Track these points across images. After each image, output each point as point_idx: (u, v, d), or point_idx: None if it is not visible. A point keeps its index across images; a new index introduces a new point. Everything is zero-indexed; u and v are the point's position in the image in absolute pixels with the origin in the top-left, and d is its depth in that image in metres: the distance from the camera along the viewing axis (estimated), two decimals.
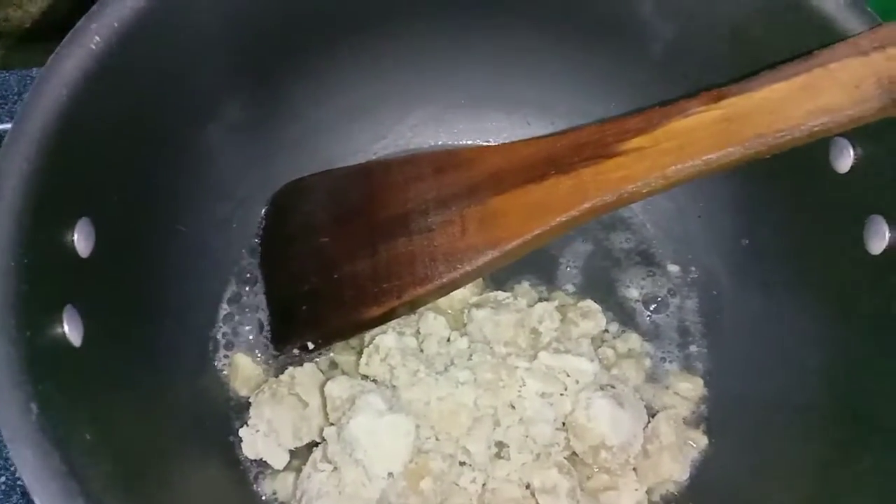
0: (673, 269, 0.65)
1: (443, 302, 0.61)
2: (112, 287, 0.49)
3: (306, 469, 0.52)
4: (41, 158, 0.43)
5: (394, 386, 0.54)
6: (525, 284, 0.64)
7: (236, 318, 0.61)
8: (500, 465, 0.54)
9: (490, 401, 0.54)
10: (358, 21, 0.59)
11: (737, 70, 0.52)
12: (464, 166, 0.57)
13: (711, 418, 0.60)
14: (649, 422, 0.57)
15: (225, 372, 0.60)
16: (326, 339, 0.59)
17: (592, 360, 0.57)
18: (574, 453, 0.55)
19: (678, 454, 0.56)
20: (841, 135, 0.49)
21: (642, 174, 0.49)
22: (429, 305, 0.59)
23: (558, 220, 0.52)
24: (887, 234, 0.48)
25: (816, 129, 0.45)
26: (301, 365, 0.57)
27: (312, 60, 0.60)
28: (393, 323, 0.58)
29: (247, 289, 0.62)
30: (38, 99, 0.44)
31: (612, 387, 0.57)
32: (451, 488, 0.53)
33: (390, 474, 0.50)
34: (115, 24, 0.46)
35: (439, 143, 0.70)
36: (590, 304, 0.62)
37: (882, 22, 0.47)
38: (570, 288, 0.64)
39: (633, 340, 0.63)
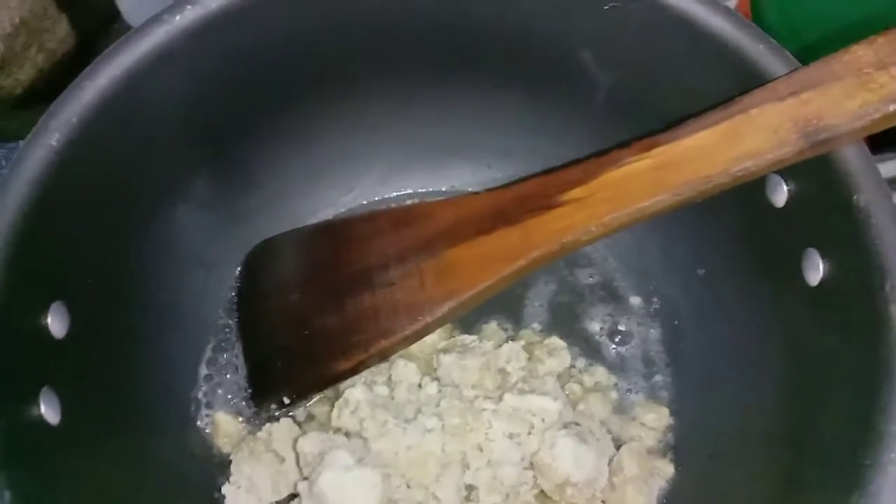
0: (635, 301, 0.67)
1: (414, 348, 0.63)
2: (90, 364, 0.52)
3: None
4: (10, 250, 0.46)
5: (364, 438, 0.56)
6: (492, 325, 0.66)
7: (216, 377, 0.64)
8: None
9: (458, 446, 0.56)
10: (312, 85, 0.62)
11: (673, 110, 0.54)
12: (419, 221, 0.59)
13: (678, 446, 0.61)
14: (615, 455, 0.59)
15: (208, 430, 0.62)
16: (301, 394, 0.61)
17: (557, 399, 0.59)
18: (542, 491, 0.57)
19: (643, 486, 0.58)
20: (775, 172, 0.51)
21: (582, 223, 0.51)
22: (400, 352, 0.62)
23: (508, 269, 0.54)
24: (821, 267, 0.49)
25: (741, 173, 0.47)
26: (278, 420, 0.60)
27: (271, 127, 0.63)
28: (364, 373, 0.61)
29: (225, 348, 0.65)
30: (5, 196, 0.47)
31: (577, 423, 0.59)
32: None
33: None
34: (74, 120, 0.49)
35: (406, 190, 0.72)
36: (556, 340, 0.64)
37: (799, 66, 0.49)
38: (537, 326, 0.66)
39: (600, 374, 0.64)
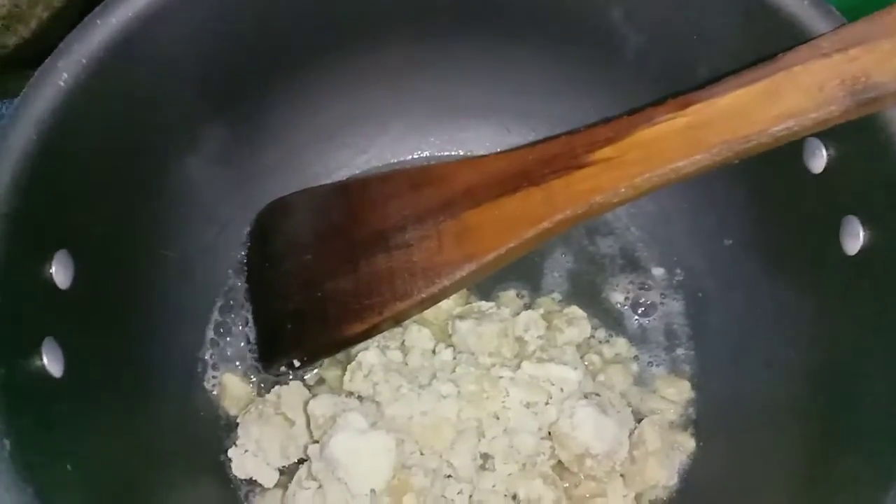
0: (658, 272, 0.65)
1: (428, 313, 0.61)
2: (94, 316, 0.50)
3: (292, 487, 0.53)
4: (14, 196, 0.44)
5: (377, 402, 0.55)
6: (510, 293, 0.64)
7: (224, 338, 0.62)
8: (486, 476, 0.54)
9: (474, 413, 0.55)
10: (330, 40, 0.60)
11: (707, 73, 0.52)
12: (439, 182, 0.57)
13: (699, 421, 0.60)
14: (636, 427, 0.57)
15: (215, 392, 0.61)
16: (312, 357, 0.60)
17: (576, 368, 0.57)
18: (560, 462, 0.56)
19: (665, 459, 0.56)
20: (814, 136, 0.49)
21: (611, 184, 0.49)
22: (414, 318, 0.60)
23: (531, 232, 0.52)
24: (861, 235, 0.47)
25: (782, 133, 0.45)
26: (287, 383, 0.58)
27: (286, 82, 0.60)
28: (377, 337, 0.59)
29: (233, 309, 0.63)
30: (8, 139, 0.44)
31: (597, 394, 0.57)
32: (437, 501, 0.53)
33: (372, 491, 0.51)
34: (83, 61, 0.47)
35: (423, 154, 0.70)
36: (575, 310, 0.62)
37: (845, 22, 0.47)
38: (557, 295, 0.65)
39: (620, 345, 0.63)
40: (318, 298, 0.59)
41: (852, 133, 0.46)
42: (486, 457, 0.55)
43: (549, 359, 0.57)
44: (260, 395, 0.60)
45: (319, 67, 0.61)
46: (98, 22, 0.47)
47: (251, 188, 0.64)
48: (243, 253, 0.65)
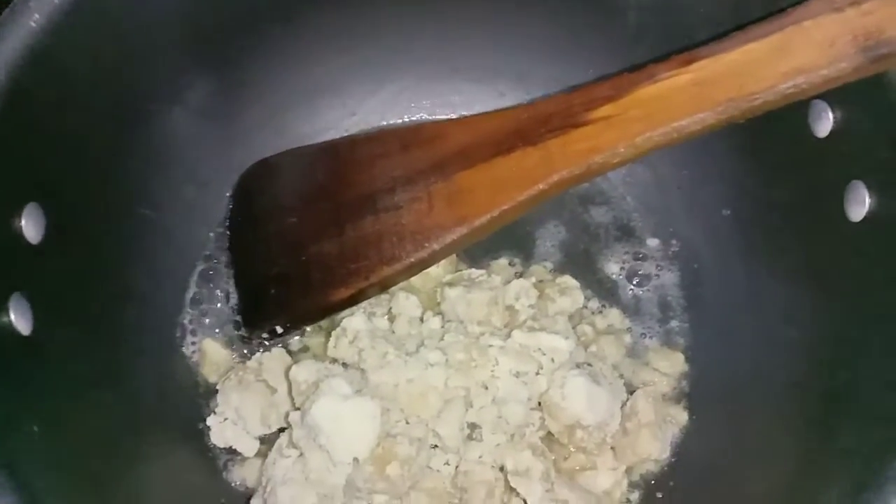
0: (653, 242, 0.63)
1: (416, 281, 0.59)
2: (67, 274, 0.48)
3: (272, 455, 0.51)
4: None
5: (362, 369, 0.53)
6: (502, 261, 0.63)
7: (204, 302, 0.60)
8: (473, 446, 0.52)
9: (461, 381, 0.53)
10: None
11: (712, 32, 0.50)
12: (430, 142, 0.55)
13: (692, 394, 0.58)
14: (628, 399, 0.56)
15: (193, 358, 0.58)
16: (295, 323, 0.57)
17: (568, 338, 0.55)
18: (550, 433, 0.54)
19: (657, 432, 0.54)
20: (819, 97, 0.47)
21: (610, 144, 0.47)
22: (401, 285, 0.58)
23: (526, 194, 0.50)
24: (867, 201, 0.46)
25: (790, 90, 0.43)
26: (269, 350, 0.56)
27: (274, 37, 0.58)
28: (363, 304, 0.57)
29: (215, 272, 0.61)
30: None
31: (589, 364, 0.55)
32: (422, 471, 0.51)
33: (355, 459, 0.49)
34: (56, 1, 0.44)
35: (412, 117, 0.68)
36: (568, 280, 0.61)
37: None
38: (549, 264, 0.63)
39: (613, 316, 0.61)
40: (302, 262, 0.57)
41: (861, 94, 0.45)
42: (473, 426, 0.53)
43: (541, 328, 0.55)
44: (241, 361, 0.58)
45: (309, 23, 0.59)
46: None
47: (235, 147, 0.62)
48: (225, 215, 0.62)
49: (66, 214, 0.48)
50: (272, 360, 0.55)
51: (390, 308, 0.58)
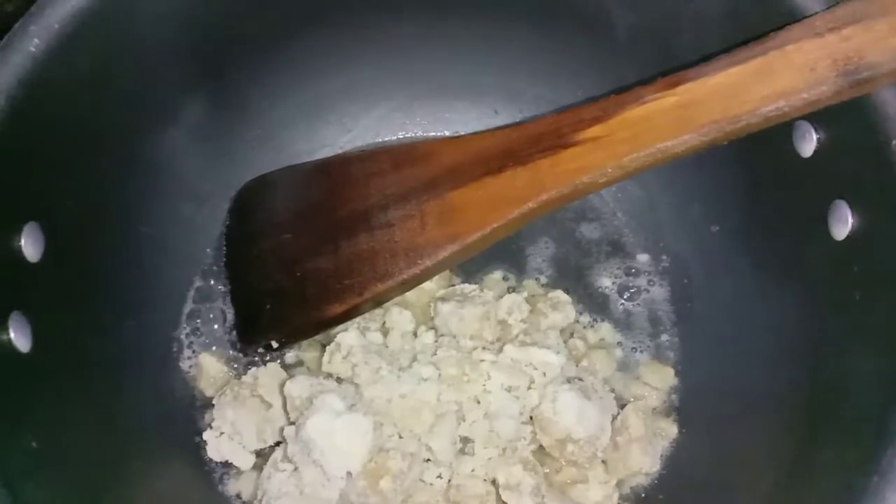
0: (643, 258, 0.64)
1: (409, 295, 0.60)
2: (66, 291, 0.49)
3: (267, 469, 0.52)
4: None
5: (356, 384, 0.53)
6: (494, 275, 0.63)
7: (201, 318, 0.61)
8: (465, 460, 0.53)
9: (454, 396, 0.54)
10: (317, 14, 0.59)
11: (699, 53, 0.51)
12: (422, 160, 0.56)
13: (682, 408, 0.59)
14: (619, 413, 0.56)
15: (190, 372, 0.59)
16: (290, 338, 0.58)
17: (559, 353, 0.56)
18: (541, 447, 0.55)
19: (648, 446, 0.55)
20: (803, 118, 0.48)
21: (598, 164, 0.48)
22: (395, 299, 0.59)
23: (516, 212, 0.51)
24: (850, 220, 0.46)
25: (773, 113, 0.44)
26: (265, 365, 0.57)
27: (271, 56, 0.59)
28: (357, 319, 0.58)
29: (211, 288, 0.62)
30: None
31: (580, 379, 0.56)
32: (415, 485, 0.52)
33: (349, 474, 0.50)
34: (56, 26, 0.46)
35: (407, 134, 0.69)
36: (560, 294, 0.61)
37: (839, 1, 0.46)
38: (542, 279, 0.64)
39: (605, 331, 0.62)
40: (297, 278, 0.58)
41: (843, 116, 0.45)
42: (465, 441, 0.54)
43: (532, 343, 0.56)
44: (237, 376, 0.58)
45: (305, 43, 0.60)
46: None
47: (231, 164, 0.63)
48: (222, 231, 0.63)
49: (65, 233, 0.48)
50: (267, 374, 0.56)
51: (384, 322, 0.59)
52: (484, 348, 0.56)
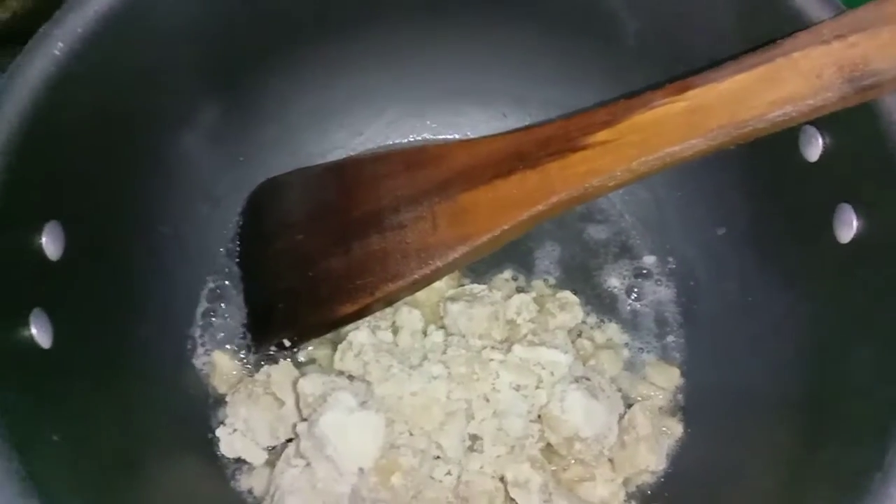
0: (650, 259, 0.65)
1: (420, 295, 0.61)
2: (85, 289, 0.50)
3: (280, 464, 0.53)
4: (5, 166, 0.43)
5: (368, 382, 0.54)
6: (503, 276, 0.64)
7: (215, 316, 0.62)
8: (474, 457, 0.54)
9: (463, 394, 0.55)
10: (329, 20, 0.59)
11: (707, 58, 0.52)
12: (434, 163, 0.57)
13: (688, 407, 0.60)
14: (625, 412, 0.57)
15: (204, 370, 0.60)
16: (303, 337, 0.59)
17: (566, 353, 0.57)
18: (549, 445, 0.56)
19: (655, 444, 0.56)
20: (810, 123, 0.49)
21: (607, 167, 0.49)
22: (405, 299, 0.60)
23: (525, 215, 0.52)
24: (855, 223, 0.47)
25: (779, 119, 0.45)
26: (277, 363, 0.58)
27: (284, 61, 0.60)
28: (368, 318, 0.59)
29: (225, 287, 0.63)
30: (1, 108, 0.44)
31: (587, 378, 0.57)
32: (425, 481, 0.53)
33: (361, 470, 0.50)
34: (79, 30, 0.47)
35: (417, 137, 0.70)
36: (568, 295, 0.62)
37: (845, 9, 0.46)
38: (550, 279, 0.65)
39: (612, 331, 0.63)
40: (309, 278, 0.59)
41: (849, 121, 0.46)
42: (474, 438, 0.55)
43: (541, 343, 0.57)
44: (250, 374, 0.59)
45: (318, 47, 0.61)
46: None
47: (246, 166, 0.64)
48: (236, 231, 0.64)
49: (85, 232, 0.49)
50: (280, 372, 0.57)
51: (394, 322, 0.60)
52: (493, 347, 0.57)
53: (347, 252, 0.58)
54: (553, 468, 0.56)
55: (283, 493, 0.51)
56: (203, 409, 0.59)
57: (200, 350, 0.61)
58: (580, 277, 0.65)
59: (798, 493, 0.46)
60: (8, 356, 0.41)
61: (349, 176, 0.61)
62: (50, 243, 0.46)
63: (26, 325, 0.44)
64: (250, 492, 0.56)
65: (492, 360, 0.56)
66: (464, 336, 0.58)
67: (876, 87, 0.43)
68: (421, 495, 0.53)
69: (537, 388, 0.56)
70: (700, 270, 0.63)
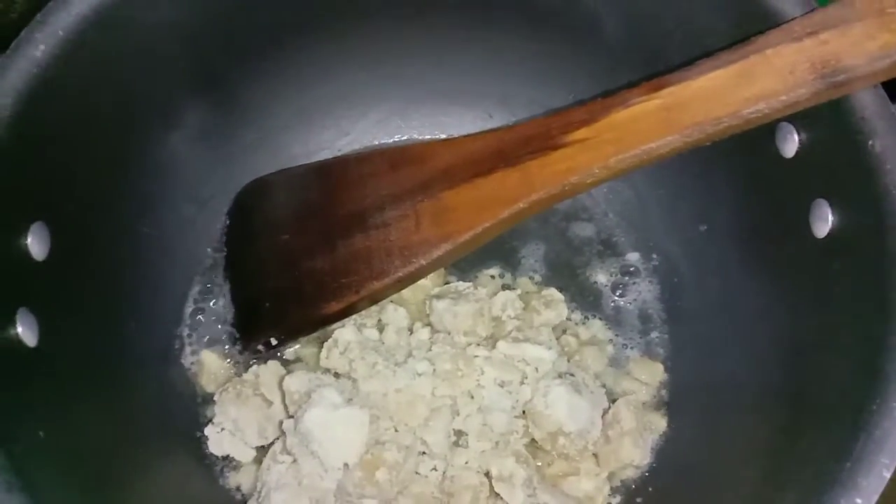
0: (634, 256, 0.66)
1: (405, 293, 0.61)
2: (71, 289, 0.51)
3: (266, 461, 0.54)
4: None
5: (353, 379, 0.55)
6: (489, 273, 0.65)
7: (202, 315, 0.62)
8: (459, 452, 0.55)
9: (448, 390, 0.55)
10: (314, 21, 0.60)
11: (684, 56, 0.52)
12: (417, 162, 0.57)
13: (671, 402, 0.60)
14: (610, 407, 0.58)
15: (192, 369, 0.61)
16: (289, 335, 0.60)
17: (550, 349, 0.57)
18: (533, 441, 0.56)
19: (639, 439, 0.56)
20: (785, 120, 0.50)
21: (586, 165, 0.50)
22: (391, 297, 0.60)
23: (506, 212, 0.52)
24: (830, 218, 0.48)
25: (752, 115, 0.46)
26: (265, 362, 0.58)
27: (269, 62, 0.61)
28: (354, 316, 0.59)
29: (212, 287, 0.64)
30: None
31: (571, 374, 0.58)
32: (410, 477, 0.54)
33: (346, 465, 0.51)
34: (60, 33, 0.47)
35: (403, 137, 0.70)
36: (553, 292, 0.63)
37: (817, 7, 0.47)
38: (535, 277, 0.65)
39: (596, 328, 0.63)
40: (295, 278, 0.59)
41: (823, 117, 0.47)
42: (459, 434, 0.55)
43: (525, 339, 0.58)
44: (237, 373, 0.60)
45: (302, 48, 0.62)
46: None
47: (231, 167, 0.64)
48: (222, 231, 0.65)
49: (70, 233, 0.50)
50: (267, 372, 0.57)
51: (380, 319, 0.60)
52: (478, 344, 0.58)
53: (333, 251, 0.58)
54: (538, 463, 0.56)
55: (269, 490, 0.52)
56: (191, 408, 0.60)
57: (188, 349, 0.61)
58: (565, 275, 0.65)
59: (778, 483, 0.46)
60: None
61: (334, 176, 0.62)
62: (35, 244, 0.47)
63: (12, 323, 0.44)
64: (238, 489, 0.57)
65: (477, 356, 0.57)
66: (449, 333, 0.59)
67: (847, 83, 0.44)
68: (406, 490, 0.53)
69: (522, 383, 0.57)
70: (683, 267, 0.64)
